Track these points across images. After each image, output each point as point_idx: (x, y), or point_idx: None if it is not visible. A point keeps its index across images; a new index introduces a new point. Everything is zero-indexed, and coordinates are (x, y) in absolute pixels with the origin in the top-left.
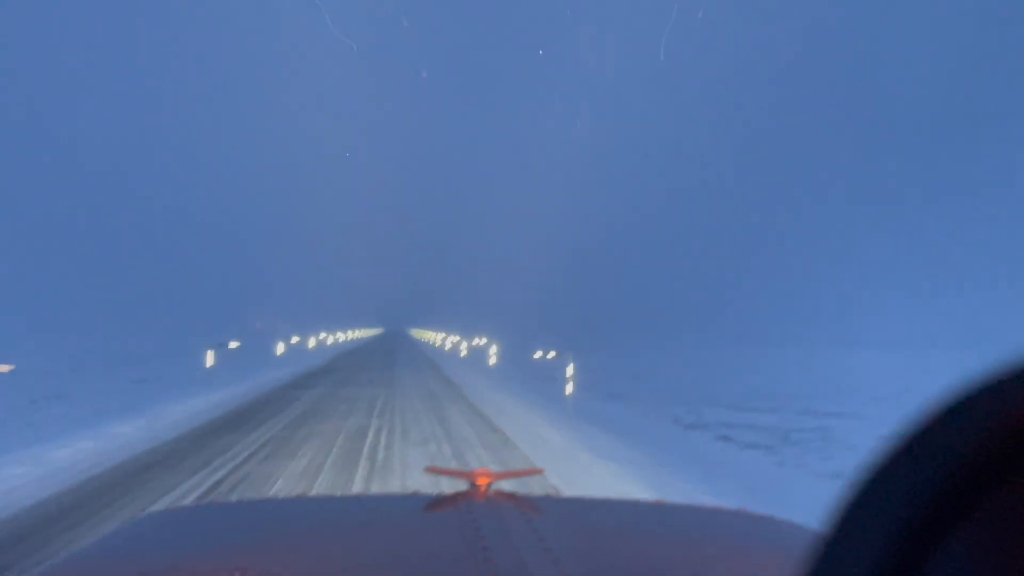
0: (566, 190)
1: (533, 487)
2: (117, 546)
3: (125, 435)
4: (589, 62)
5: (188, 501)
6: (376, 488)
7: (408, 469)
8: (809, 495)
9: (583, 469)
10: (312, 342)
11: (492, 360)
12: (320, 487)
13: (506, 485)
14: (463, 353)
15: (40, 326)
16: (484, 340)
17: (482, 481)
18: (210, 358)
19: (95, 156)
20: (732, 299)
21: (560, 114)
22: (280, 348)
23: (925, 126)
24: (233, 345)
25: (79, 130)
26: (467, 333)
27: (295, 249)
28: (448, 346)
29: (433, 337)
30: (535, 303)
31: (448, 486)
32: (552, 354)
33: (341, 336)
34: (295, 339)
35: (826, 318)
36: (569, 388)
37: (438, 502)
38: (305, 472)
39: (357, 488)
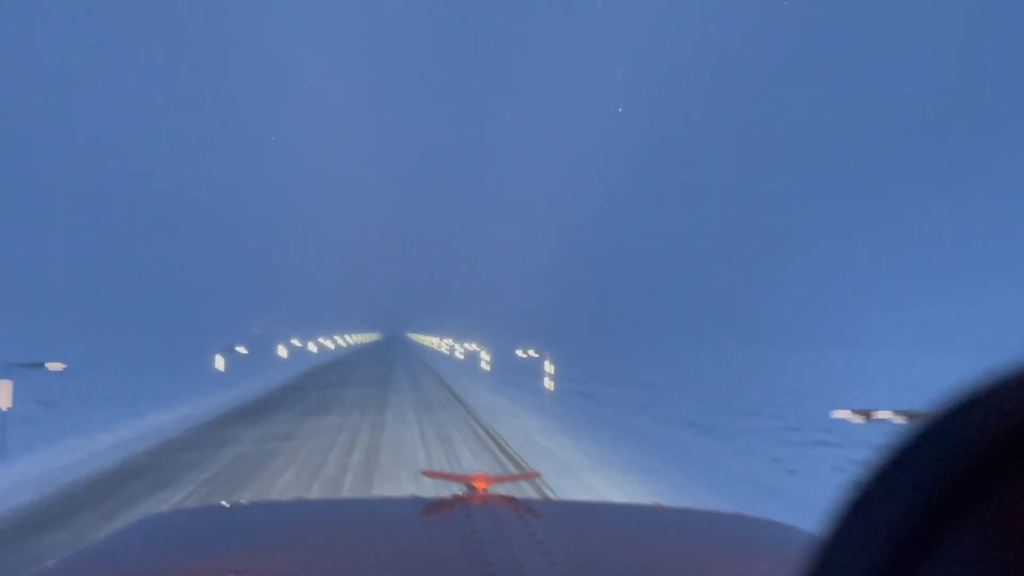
0: (567, 193)
1: (530, 491)
2: (114, 549)
3: None
4: (591, 66)
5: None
6: None
7: None
8: None
9: None
10: (283, 351)
11: (548, 383)
12: None
13: (503, 488)
14: (485, 366)
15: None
16: (532, 352)
17: (479, 484)
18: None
19: (89, 160)
20: (728, 301)
21: (562, 116)
22: (220, 363)
23: (931, 130)
24: (54, 367)
25: (69, 132)
26: (466, 338)
27: (296, 256)
28: (461, 355)
29: (437, 343)
30: (536, 307)
31: (446, 489)
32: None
33: (329, 343)
34: (241, 350)
35: (815, 319)
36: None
37: (435, 505)
38: None
39: None
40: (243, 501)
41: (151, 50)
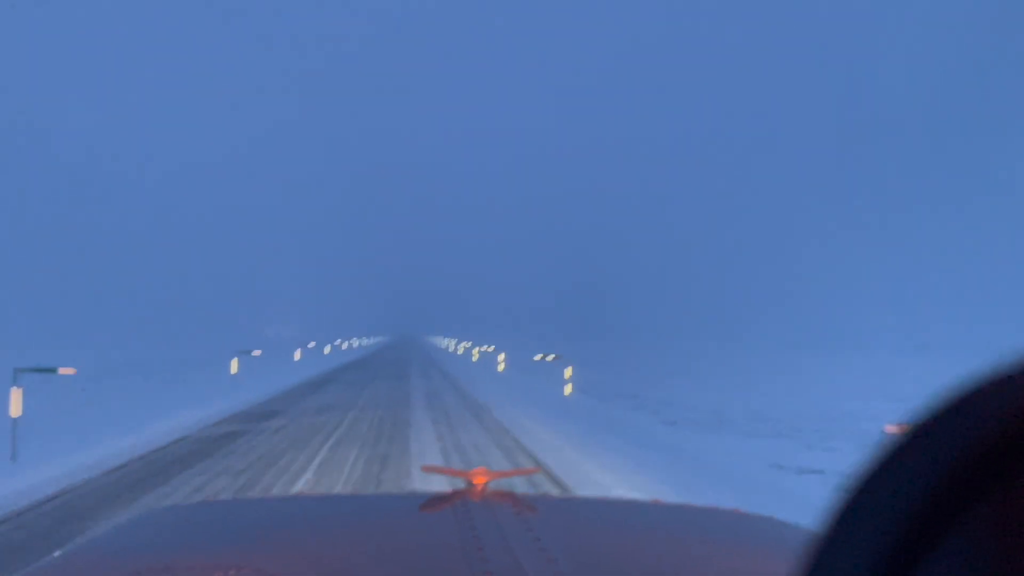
0: (571, 189)
1: (530, 486)
2: (114, 543)
3: None
4: (591, 58)
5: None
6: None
7: None
8: None
9: None
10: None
11: (461, 349)
12: None
13: (503, 484)
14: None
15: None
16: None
17: (479, 480)
18: None
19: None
20: (723, 303)
21: (565, 110)
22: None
23: (927, 132)
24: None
25: (53, 129)
26: (465, 338)
27: (302, 257)
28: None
29: (446, 344)
30: (547, 309)
31: (445, 485)
32: None
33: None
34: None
35: (805, 321)
36: None
37: (434, 501)
38: None
39: None
40: (241, 497)
41: (146, 55)
